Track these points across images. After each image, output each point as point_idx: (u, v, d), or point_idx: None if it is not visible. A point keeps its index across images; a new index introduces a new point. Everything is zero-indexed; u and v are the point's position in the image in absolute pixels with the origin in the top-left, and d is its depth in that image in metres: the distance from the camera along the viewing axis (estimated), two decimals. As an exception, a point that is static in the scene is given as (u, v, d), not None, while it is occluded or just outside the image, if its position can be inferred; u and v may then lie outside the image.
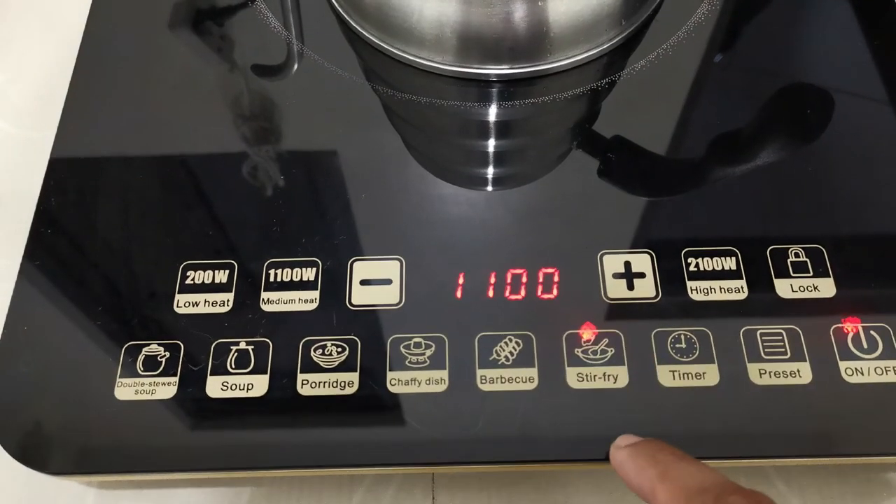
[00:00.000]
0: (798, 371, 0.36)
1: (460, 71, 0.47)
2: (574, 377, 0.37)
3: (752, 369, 0.36)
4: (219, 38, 0.50)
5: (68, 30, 0.53)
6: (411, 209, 0.42)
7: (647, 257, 0.40)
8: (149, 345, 0.38)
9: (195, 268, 0.40)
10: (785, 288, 0.39)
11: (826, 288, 0.39)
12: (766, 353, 0.37)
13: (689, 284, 0.39)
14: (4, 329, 0.39)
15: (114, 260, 0.41)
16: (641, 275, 0.39)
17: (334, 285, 0.40)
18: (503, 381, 0.37)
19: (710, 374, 0.36)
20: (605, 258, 0.40)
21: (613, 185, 0.43)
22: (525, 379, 0.37)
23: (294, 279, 0.40)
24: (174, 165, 0.44)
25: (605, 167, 0.43)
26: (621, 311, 0.38)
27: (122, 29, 0.50)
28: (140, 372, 0.37)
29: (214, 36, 0.50)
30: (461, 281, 0.39)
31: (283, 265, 0.40)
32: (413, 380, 0.37)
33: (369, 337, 0.38)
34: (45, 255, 0.41)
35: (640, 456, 0.31)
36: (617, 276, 0.39)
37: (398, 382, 0.37)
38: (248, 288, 0.40)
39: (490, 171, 0.46)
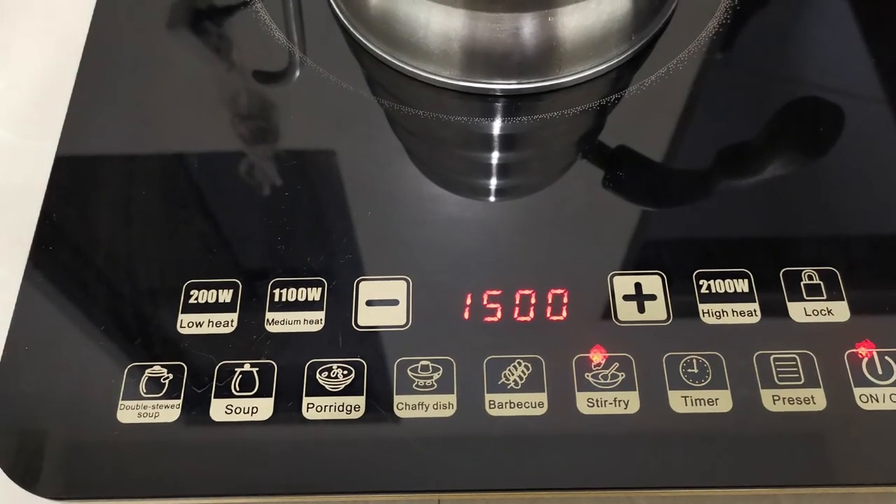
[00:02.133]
0: (812, 398, 0.36)
1: (467, 86, 0.46)
2: (584, 402, 0.36)
3: (766, 395, 0.36)
4: (217, 38, 0.50)
5: (67, 35, 0.52)
6: (418, 227, 0.42)
7: (658, 279, 0.39)
8: (152, 366, 0.37)
9: (199, 287, 0.40)
10: (798, 311, 0.38)
11: (840, 311, 0.38)
12: (779, 379, 0.36)
13: (701, 307, 0.38)
14: (5, 348, 0.38)
15: (117, 278, 0.40)
16: (652, 297, 0.39)
17: (340, 306, 0.39)
18: (512, 405, 0.36)
19: (722, 401, 0.36)
20: (616, 279, 0.39)
21: (619, 198, 0.42)
22: (534, 404, 0.36)
23: (299, 299, 0.39)
24: (177, 183, 0.44)
25: (612, 181, 0.43)
26: (632, 335, 0.38)
27: (126, 32, 0.50)
28: (143, 394, 0.37)
29: (213, 35, 0.50)
30: (469, 302, 0.39)
31: (287, 285, 0.39)
32: (420, 404, 0.36)
33: (376, 359, 0.37)
34: (46, 272, 0.40)
35: None
36: (627, 297, 0.39)
37: (405, 406, 0.36)
38: (252, 308, 0.39)
39: (498, 187, 0.45)
